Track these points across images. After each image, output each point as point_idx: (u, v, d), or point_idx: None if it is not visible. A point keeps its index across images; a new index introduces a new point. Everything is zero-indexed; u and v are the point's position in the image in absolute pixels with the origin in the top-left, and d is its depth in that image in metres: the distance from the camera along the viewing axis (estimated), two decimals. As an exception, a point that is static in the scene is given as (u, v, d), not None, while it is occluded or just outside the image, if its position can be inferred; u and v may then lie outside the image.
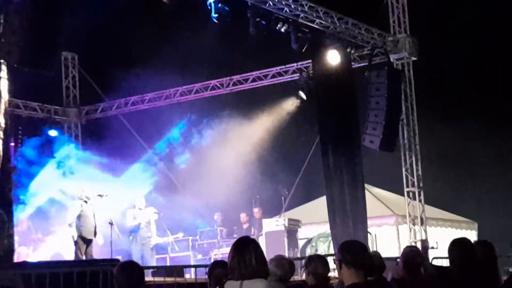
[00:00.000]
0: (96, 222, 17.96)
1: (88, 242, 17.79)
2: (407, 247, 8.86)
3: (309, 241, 21.84)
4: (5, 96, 12.91)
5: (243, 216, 22.96)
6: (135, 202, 19.89)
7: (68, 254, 19.32)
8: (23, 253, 19.34)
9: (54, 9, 13.38)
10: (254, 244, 6.24)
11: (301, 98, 22.30)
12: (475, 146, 26.65)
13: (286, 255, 16.84)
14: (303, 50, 19.90)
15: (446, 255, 7.74)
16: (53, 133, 24.78)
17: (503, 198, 26.38)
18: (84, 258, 17.50)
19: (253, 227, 22.06)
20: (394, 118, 20.70)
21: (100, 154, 23.46)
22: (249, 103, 23.04)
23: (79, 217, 17.86)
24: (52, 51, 13.66)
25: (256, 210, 22.42)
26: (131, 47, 23.10)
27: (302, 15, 19.19)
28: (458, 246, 7.45)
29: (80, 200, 18.15)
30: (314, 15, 19.46)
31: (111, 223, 18.10)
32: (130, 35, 22.79)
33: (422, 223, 21.76)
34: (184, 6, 16.99)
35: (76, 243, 17.73)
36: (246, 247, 6.15)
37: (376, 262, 8.43)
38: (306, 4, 19.14)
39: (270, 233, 20.57)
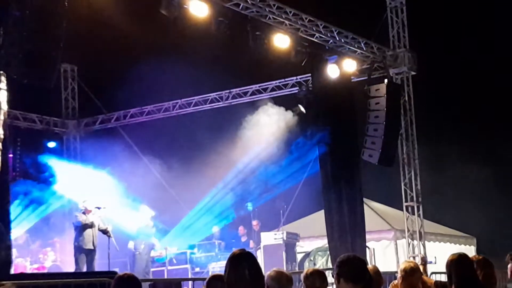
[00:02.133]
0: (95, 233, 17.97)
1: (88, 252, 17.79)
2: (406, 261, 8.83)
3: (307, 255, 21.82)
4: (4, 107, 12.90)
5: (241, 229, 22.95)
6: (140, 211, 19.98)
7: (67, 266, 19.32)
8: (21, 265, 19.31)
9: (54, 21, 13.39)
10: (250, 257, 6.18)
11: (300, 112, 22.27)
12: (474, 161, 26.65)
13: (284, 268, 16.76)
14: (303, 63, 19.92)
15: (445, 270, 7.72)
16: (51, 144, 24.78)
17: (501, 213, 26.36)
18: (85, 269, 17.52)
19: (251, 240, 22.06)
20: (393, 133, 20.71)
21: (98, 166, 23.44)
22: (248, 115, 22.98)
23: (78, 228, 17.89)
24: (52, 63, 13.65)
25: (254, 222, 22.42)
26: (130, 59, 23.10)
27: (302, 29, 19.21)
28: (454, 262, 7.42)
29: (79, 211, 18.19)
30: (314, 29, 19.48)
31: (109, 236, 18.08)
32: (129, 47, 22.80)
33: (420, 238, 21.73)
34: (184, 18, 16.97)
35: (75, 253, 17.77)
36: (241, 261, 6.09)
37: (374, 276, 8.40)
38: (306, 18, 19.17)
39: (268, 246, 20.55)
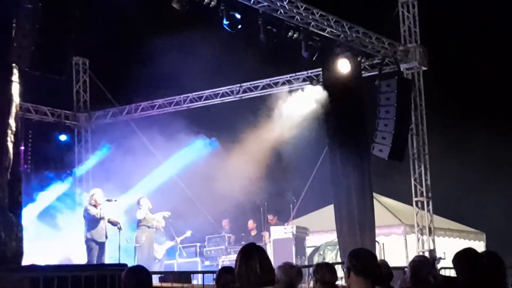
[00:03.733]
0: (106, 226, 18.03)
1: (100, 245, 17.89)
2: (416, 256, 8.84)
3: (316, 249, 21.86)
4: (17, 99, 12.97)
5: (250, 223, 22.97)
6: (141, 203, 19.82)
7: (77, 258, 19.38)
8: (31, 256, 19.37)
9: (66, 14, 13.44)
10: (260, 251, 6.21)
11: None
12: (484, 157, 26.62)
13: (294, 262, 16.83)
14: (314, 58, 19.92)
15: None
16: (63, 137, 24.86)
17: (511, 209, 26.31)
18: (95, 261, 17.59)
19: (267, 232, 21.86)
20: (403, 128, 20.68)
21: (109, 159, 23.54)
22: (259, 110, 22.98)
23: (89, 221, 17.96)
24: (64, 55, 13.72)
25: (270, 216, 22.41)
26: (142, 53, 23.15)
27: (313, 23, 19.21)
28: (461, 258, 7.39)
29: (90, 204, 18.25)
30: (325, 23, 19.48)
31: (119, 228, 18.13)
32: (141, 41, 22.84)
33: (430, 233, 21.73)
34: (195, 12, 17.02)
35: (88, 246, 17.84)
36: (252, 255, 6.13)
37: (383, 270, 8.44)
38: (317, 13, 19.18)
39: (278, 240, 20.58)
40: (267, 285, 6.06)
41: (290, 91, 22.93)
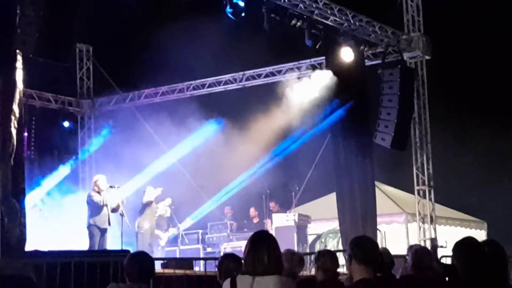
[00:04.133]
0: (109, 212, 18.10)
1: (103, 231, 17.97)
2: (416, 244, 8.90)
3: (318, 237, 21.92)
4: (20, 86, 12.99)
5: (252, 211, 23.04)
6: (146, 192, 19.91)
7: (79, 244, 19.43)
8: (33, 241, 19.43)
9: (70, 1, 13.47)
10: (271, 239, 6.26)
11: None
12: (486, 146, 26.64)
13: (296, 250, 16.90)
14: (317, 46, 19.93)
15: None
16: (66, 124, 24.91)
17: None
18: (96, 247, 17.65)
19: (269, 220, 21.94)
20: (406, 117, 20.70)
21: (112, 146, 23.57)
22: (261, 97, 23.00)
23: (93, 207, 18.02)
24: (68, 42, 13.74)
25: (272, 204, 22.47)
26: (145, 40, 23.16)
27: (316, 11, 19.20)
28: (462, 248, 7.39)
29: (93, 191, 18.31)
30: (329, 12, 19.48)
31: (122, 214, 18.19)
32: (145, 28, 22.86)
33: (431, 222, 21.77)
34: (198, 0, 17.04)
35: (90, 232, 17.91)
36: (261, 244, 6.17)
37: (385, 258, 8.49)
38: (321, 1, 19.17)
39: (280, 228, 20.64)
40: (274, 273, 6.11)
41: (297, 78, 22.89)
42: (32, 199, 20.71)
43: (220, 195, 23.23)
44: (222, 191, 23.11)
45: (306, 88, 21.69)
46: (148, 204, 19.79)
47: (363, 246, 6.17)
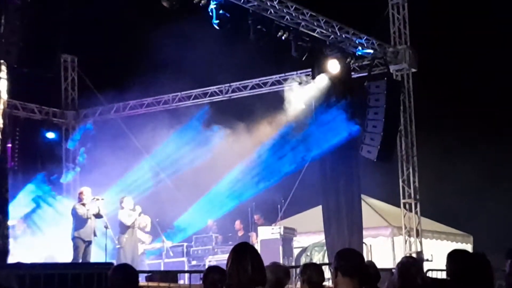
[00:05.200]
0: (94, 224, 17.96)
1: (87, 243, 17.83)
2: (404, 257, 8.83)
3: (304, 250, 21.84)
4: (4, 96, 12.89)
5: (237, 224, 22.91)
6: (124, 204, 19.57)
7: (61, 256, 19.29)
8: (17, 254, 19.28)
9: (54, 10, 13.37)
10: (253, 251, 6.19)
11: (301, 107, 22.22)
12: (473, 159, 26.65)
13: (281, 263, 16.80)
14: (303, 58, 19.90)
15: (441, 267, 7.67)
16: (50, 135, 24.76)
17: (499, 212, 26.37)
18: (80, 259, 17.51)
19: (254, 233, 21.82)
20: (392, 129, 20.70)
21: (97, 157, 23.43)
22: (247, 110, 22.94)
23: (77, 219, 17.88)
24: (52, 51, 13.65)
25: (257, 217, 22.36)
26: (130, 51, 23.07)
27: (303, 23, 19.20)
28: (456, 258, 7.39)
29: (78, 203, 18.18)
30: (315, 24, 19.47)
31: (106, 227, 18.08)
32: (130, 39, 22.78)
33: (417, 235, 21.72)
34: (185, 11, 16.98)
35: (75, 244, 17.76)
36: (244, 254, 6.10)
37: (371, 271, 8.41)
38: (307, 13, 19.16)
39: (265, 241, 20.55)
40: (258, 285, 6.03)
41: (282, 90, 22.86)
42: (16, 211, 20.57)
43: (205, 206, 23.17)
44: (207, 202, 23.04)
45: (293, 99, 21.65)
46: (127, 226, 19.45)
47: (349, 258, 6.12)
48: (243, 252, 6.10)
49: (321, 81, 20.56)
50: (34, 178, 23.04)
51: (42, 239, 21.24)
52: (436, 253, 20.66)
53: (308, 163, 22.46)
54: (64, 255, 18.80)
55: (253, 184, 22.77)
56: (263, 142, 22.45)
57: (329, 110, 20.16)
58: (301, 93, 21.43)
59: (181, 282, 15.89)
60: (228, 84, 23.94)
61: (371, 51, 21.17)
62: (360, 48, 20.89)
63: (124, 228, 19.20)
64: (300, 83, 22.23)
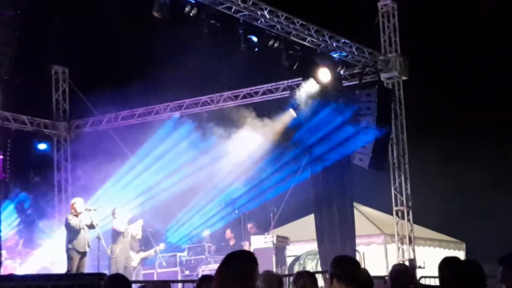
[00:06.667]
0: (88, 235, 17.91)
1: (82, 254, 17.78)
2: (396, 264, 8.86)
3: (297, 258, 21.83)
4: (-5, 108, 12.91)
5: (228, 232, 22.87)
6: (116, 215, 19.54)
7: (56, 268, 19.24)
8: (10, 266, 19.25)
9: (45, 22, 13.40)
10: (246, 257, 6.17)
11: (292, 116, 22.26)
12: (464, 166, 26.70)
13: (274, 272, 16.78)
14: (294, 67, 19.93)
15: (434, 274, 7.67)
16: (42, 146, 24.73)
17: (491, 219, 26.41)
18: (74, 271, 17.45)
19: (247, 242, 21.80)
20: (383, 137, 20.72)
21: (89, 168, 23.41)
22: (240, 119, 22.95)
23: (70, 231, 17.83)
24: (43, 63, 13.67)
25: (250, 225, 22.35)
26: (121, 62, 23.07)
27: (293, 32, 19.24)
28: (449, 265, 7.39)
29: (71, 214, 18.14)
30: (306, 33, 19.52)
31: (98, 238, 18.04)
32: (121, 50, 22.78)
33: (410, 243, 21.73)
34: (175, 21, 16.99)
35: (69, 255, 17.70)
36: (235, 260, 6.08)
37: (364, 278, 8.42)
38: (298, 22, 19.21)
39: (258, 249, 20.51)
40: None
41: (274, 99, 22.92)
42: (8, 223, 20.56)
43: (198, 216, 23.19)
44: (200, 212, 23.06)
45: (284, 109, 21.70)
46: (120, 232, 19.42)
47: (345, 265, 6.14)
48: (234, 258, 6.08)
49: (311, 88, 20.61)
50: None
51: (36, 250, 21.20)
52: (429, 260, 20.66)
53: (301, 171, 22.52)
54: (59, 266, 18.75)
55: (247, 193, 22.78)
56: (256, 151, 22.45)
57: (321, 116, 20.19)
58: (292, 101, 21.47)
59: (174, 292, 15.84)
60: (219, 94, 23.95)
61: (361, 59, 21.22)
62: (350, 56, 20.94)
63: (116, 237, 19.17)
64: (290, 92, 22.29)
